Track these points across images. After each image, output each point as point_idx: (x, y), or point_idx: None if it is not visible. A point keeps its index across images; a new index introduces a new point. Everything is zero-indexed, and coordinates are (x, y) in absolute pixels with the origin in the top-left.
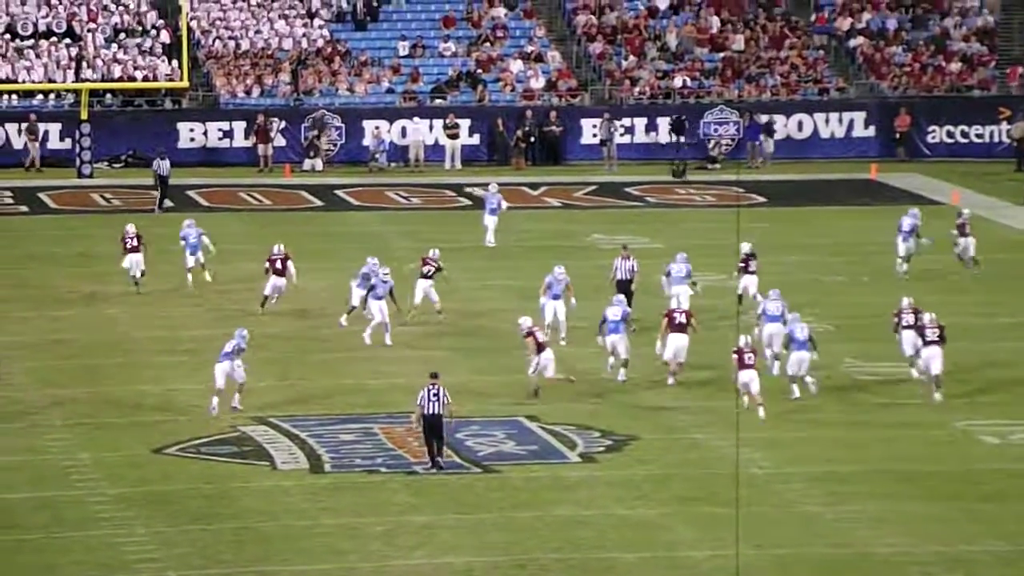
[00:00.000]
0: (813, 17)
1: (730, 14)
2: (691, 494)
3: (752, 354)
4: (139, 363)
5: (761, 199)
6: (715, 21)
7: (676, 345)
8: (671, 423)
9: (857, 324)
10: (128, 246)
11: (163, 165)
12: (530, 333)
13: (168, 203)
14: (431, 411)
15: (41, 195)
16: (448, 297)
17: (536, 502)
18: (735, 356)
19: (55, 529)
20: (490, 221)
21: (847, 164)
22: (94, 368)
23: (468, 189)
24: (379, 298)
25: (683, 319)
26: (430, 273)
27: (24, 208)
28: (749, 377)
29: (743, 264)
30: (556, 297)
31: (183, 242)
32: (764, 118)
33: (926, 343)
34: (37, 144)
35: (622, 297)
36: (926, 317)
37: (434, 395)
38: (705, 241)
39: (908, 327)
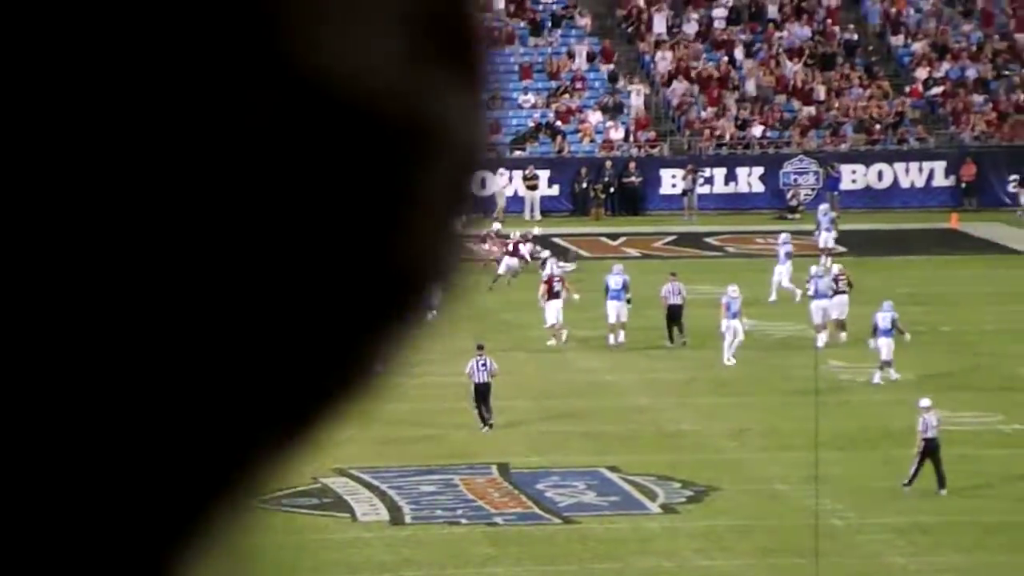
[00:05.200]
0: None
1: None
2: (772, 545)
3: None
4: None
5: (841, 248)
6: (792, 68)
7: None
8: (752, 473)
9: (938, 375)
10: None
11: None
12: None
13: None
14: (480, 380)
15: None
16: (522, 349)
17: (617, 554)
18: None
19: None
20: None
21: (927, 214)
22: None
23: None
24: None
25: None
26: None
27: None
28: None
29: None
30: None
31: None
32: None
33: (836, 292)
34: None
35: (620, 267)
36: (835, 268)
37: (482, 365)
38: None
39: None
